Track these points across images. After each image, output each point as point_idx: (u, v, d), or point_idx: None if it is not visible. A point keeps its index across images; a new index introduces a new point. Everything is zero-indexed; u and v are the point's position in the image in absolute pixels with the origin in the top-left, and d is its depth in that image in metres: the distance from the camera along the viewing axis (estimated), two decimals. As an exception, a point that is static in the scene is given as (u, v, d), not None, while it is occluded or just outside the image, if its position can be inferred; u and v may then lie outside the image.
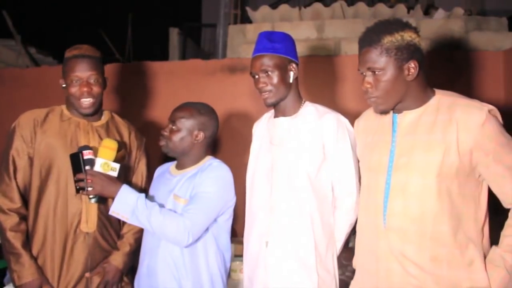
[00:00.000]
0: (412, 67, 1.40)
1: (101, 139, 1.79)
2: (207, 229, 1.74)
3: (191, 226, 1.63)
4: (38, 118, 1.78)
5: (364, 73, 1.44)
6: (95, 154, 1.64)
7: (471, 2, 4.65)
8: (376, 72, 1.40)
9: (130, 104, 3.39)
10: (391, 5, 4.33)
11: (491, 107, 1.39)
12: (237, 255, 2.25)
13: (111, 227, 1.83)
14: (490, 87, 3.11)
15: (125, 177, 1.85)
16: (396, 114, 1.48)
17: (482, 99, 1.46)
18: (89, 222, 1.74)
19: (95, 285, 1.77)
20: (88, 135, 1.80)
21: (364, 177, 1.59)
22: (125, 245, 1.85)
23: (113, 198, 1.60)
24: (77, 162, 1.60)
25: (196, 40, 6.98)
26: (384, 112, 1.47)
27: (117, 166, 1.64)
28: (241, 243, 1.90)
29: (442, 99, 1.43)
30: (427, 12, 4.40)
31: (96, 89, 1.78)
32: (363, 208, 1.56)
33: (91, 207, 1.74)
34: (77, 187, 1.60)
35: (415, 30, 1.45)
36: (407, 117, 1.45)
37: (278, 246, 1.71)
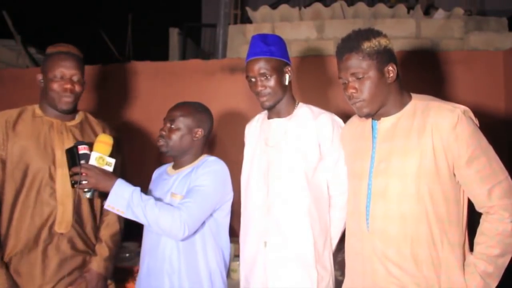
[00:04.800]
0: (391, 70, 1.46)
1: (75, 139, 1.76)
2: (204, 224, 1.73)
3: (187, 218, 1.62)
4: (10, 119, 1.73)
5: (347, 80, 1.48)
6: (91, 149, 1.63)
7: (471, 2, 4.65)
8: (360, 77, 1.44)
9: (130, 104, 3.39)
10: (391, 5, 4.33)
11: (464, 108, 1.42)
12: (237, 255, 2.26)
13: (87, 228, 1.79)
14: (490, 87, 3.11)
15: None
16: (376, 121, 1.54)
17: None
18: (64, 223, 1.71)
19: None
20: (62, 135, 1.77)
21: (349, 183, 1.65)
22: (103, 249, 1.80)
23: (108, 192, 1.59)
24: (72, 157, 1.60)
25: (196, 40, 6.98)
26: (369, 116, 1.51)
27: (112, 161, 1.63)
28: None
29: (417, 104, 1.48)
30: (427, 12, 4.41)
31: (77, 88, 1.76)
32: (349, 212, 1.62)
33: (66, 208, 1.71)
34: (72, 182, 1.59)
35: (387, 37, 1.51)
36: (386, 124, 1.51)
37: (278, 245, 1.73)
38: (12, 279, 1.64)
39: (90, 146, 1.64)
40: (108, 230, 1.85)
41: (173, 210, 1.62)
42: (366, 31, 1.49)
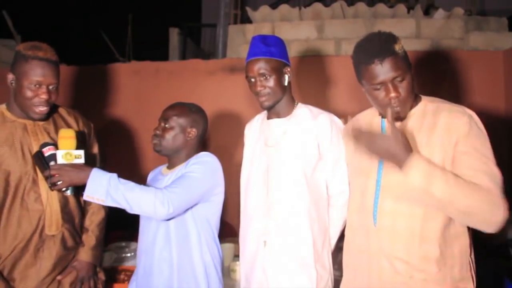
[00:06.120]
0: (412, 71, 1.46)
1: (50, 137, 1.74)
2: (196, 221, 1.73)
3: (170, 195, 1.60)
4: None
5: (385, 85, 1.41)
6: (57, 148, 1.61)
7: (471, 2, 4.66)
8: (400, 80, 1.41)
9: (130, 104, 3.39)
10: (391, 5, 4.34)
11: (471, 112, 1.45)
12: (237, 255, 2.26)
13: (76, 221, 1.80)
14: (490, 87, 3.11)
15: None
16: (384, 120, 1.54)
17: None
18: (53, 225, 1.70)
19: (67, 286, 1.73)
20: (37, 137, 1.72)
21: (354, 179, 1.64)
22: (90, 239, 1.82)
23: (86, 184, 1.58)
24: (40, 161, 1.60)
25: (196, 40, 6.99)
26: (403, 119, 1.49)
27: (81, 152, 1.61)
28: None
29: (427, 105, 1.49)
30: (427, 12, 4.41)
31: (54, 97, 1.69)
32: (354, 209, 1.61)
33: (54, 210, 1.70)
34: (49, 185, 1.58)
35: None
36: (396, 123, 1.49)
37: (277, 245, 1.74)
38: (6, 282, 1.64)
39: (56, 145, 1.63)
40: (94, 218, 1.85)
41: (156, 189, 1.61)
42: (387, 34, 1.45)
